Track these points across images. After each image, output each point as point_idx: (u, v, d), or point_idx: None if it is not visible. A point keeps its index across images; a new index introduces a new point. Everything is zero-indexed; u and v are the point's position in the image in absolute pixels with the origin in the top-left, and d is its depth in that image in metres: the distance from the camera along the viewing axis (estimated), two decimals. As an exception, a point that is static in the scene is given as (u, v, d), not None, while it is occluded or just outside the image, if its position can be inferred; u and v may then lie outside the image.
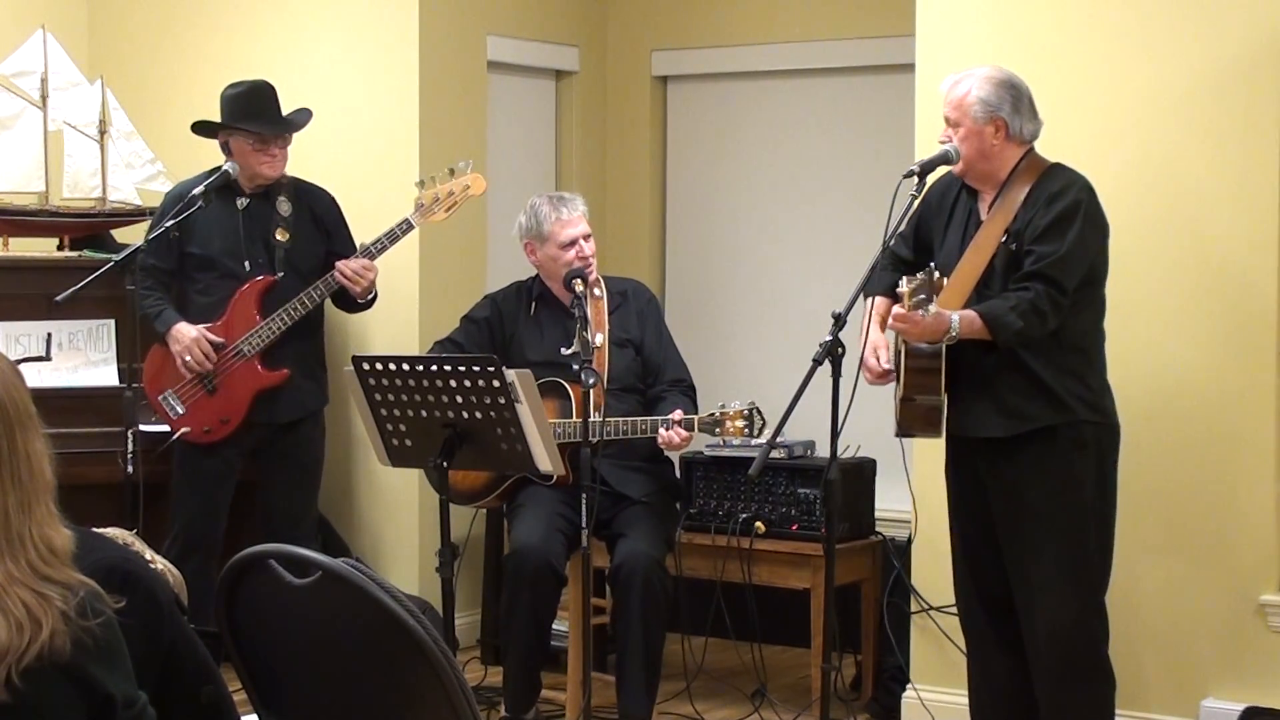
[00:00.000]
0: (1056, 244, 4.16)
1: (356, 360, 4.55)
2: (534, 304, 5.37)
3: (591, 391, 4.67)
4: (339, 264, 5.39)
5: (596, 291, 5.30)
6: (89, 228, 6.22)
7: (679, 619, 5.42)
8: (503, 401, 4.37)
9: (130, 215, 6.25)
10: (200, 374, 5.37)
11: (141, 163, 6.23)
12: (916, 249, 4.52)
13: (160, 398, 5.43)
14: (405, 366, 4.45)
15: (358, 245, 5.48)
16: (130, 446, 5.21)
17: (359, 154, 6.25)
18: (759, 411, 5.01)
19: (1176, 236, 4.86)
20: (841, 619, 5.04)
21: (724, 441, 5.25)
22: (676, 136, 7.02)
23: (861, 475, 5.62)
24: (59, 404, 5.39)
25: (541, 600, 5.01)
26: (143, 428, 5.33)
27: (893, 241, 4.45)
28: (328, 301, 5.56)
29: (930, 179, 4.40)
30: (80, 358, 5.91)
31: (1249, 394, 4.79)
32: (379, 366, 4.48)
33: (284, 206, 5.49)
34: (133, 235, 6.01)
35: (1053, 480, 4.25)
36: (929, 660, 5.23)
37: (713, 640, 5.72)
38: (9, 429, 2.15)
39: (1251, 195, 4.75)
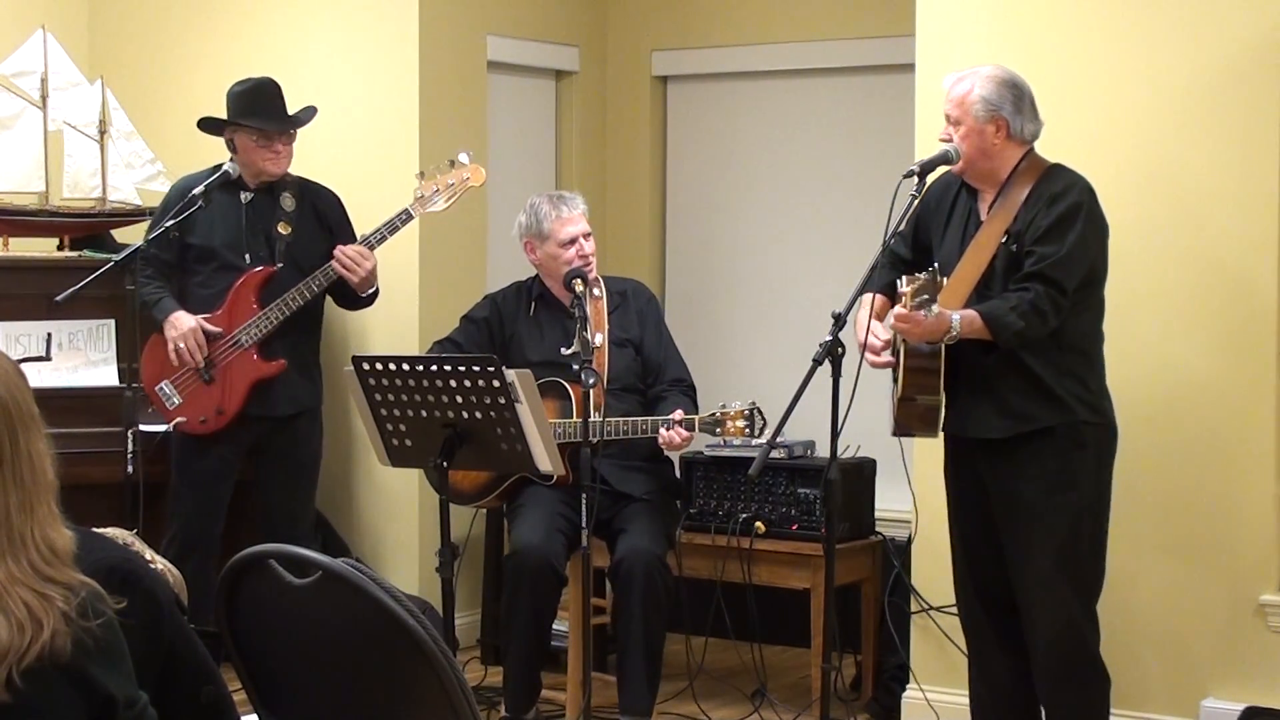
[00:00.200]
0: (1057, 245, 4.16)
1: (356, 360, 4.55)
2: (534, 304, 5.37)
3: (591, 391, 4.68)
4: (336, 250, 5.39)
5: (596, 291, 5.30)
6: (89, 228, 6.23)
7: (679, 619, 5.42)
8: (503, 401, 4.37)
9: (130, 215, 6.26)
10: (190, 365, 5.37)
11: (141, 163, 6.23)
12: (915, 248, 4.52)
13: (157, 388, 5.43)
14: (405, 366, 4.45)
15: (357, 236, 5.49)
16: (130, 446, 5.22)
17: (359, 154, 6.25)
18: (760, 411, 5.01)
19: (1176, 237, 4.86)
20: (841, 619, 5.04)
21: (724, 441, 5.25)
22: (676, 136, 7.02)
23: (861, 475, 5.62)
24: (59, 404, 5.37)
25: (541, 600, 5.01)
26: (143, 427, 5.34)
27: (892, 241, 4.45)
28: (328, 301, 5.57)
29: (930, 178, 4.40)
30: (80, 358, 5.91)
31: (1249, 394, 4.79)
32: (379, 366, 4.48)
33: (288, 202, 5.50)
34: (133, 235, 6.01)
35: (1051, 480, 4.25)
36: (929, 660, 5.23)
37: (713, 640, 5.71)
38: (11, 429, 2.15)
39: (1252, 196, 4.75)
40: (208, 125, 5.51)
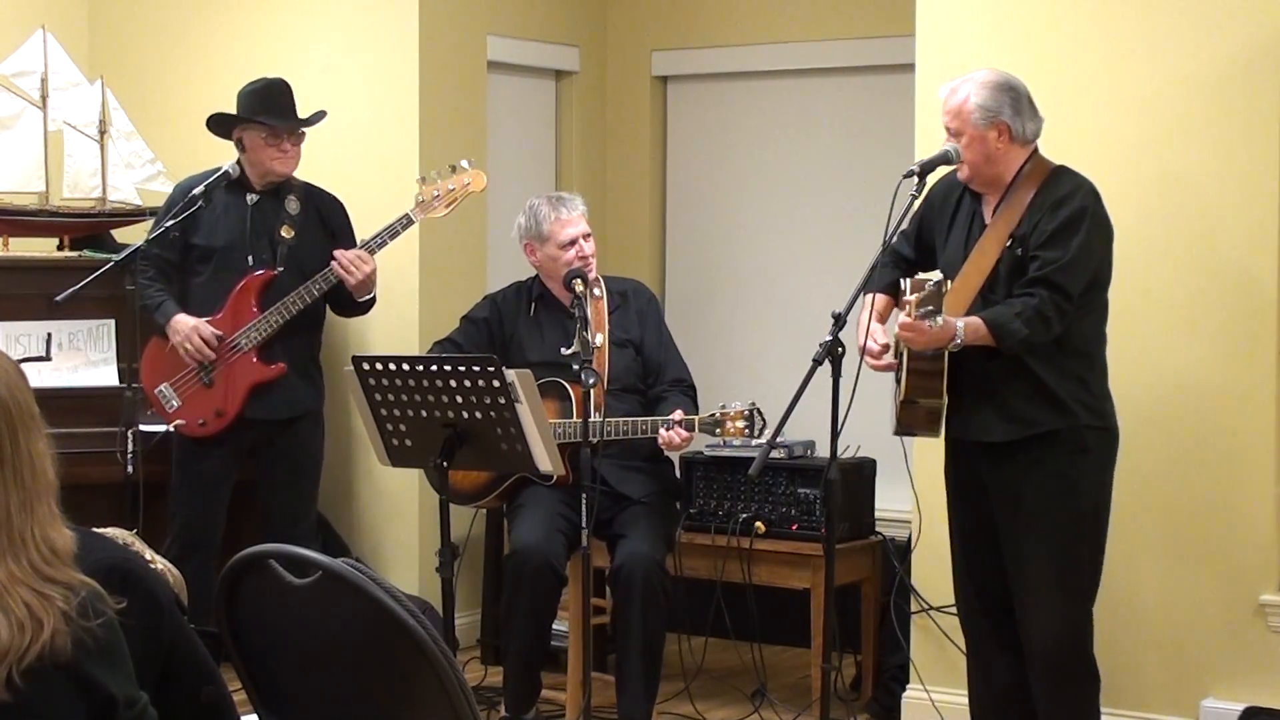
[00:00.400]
0: (1062, 250, 4.15)
1: (356, 360, 4.55)
2: (534, 304, 5.37)
3: (591, 391, 4.68)
4: (336, 253, 5.39)
5: (596, 291, 5.30)
6: (89, 228, 6.23)
7: (679, 619, 5.42)
8: (503, 401, 4.37)
9: (130, 215, 6.26)
10: (199, 365, 5.37)
11: (141, 163, 6.23)
12: (919, 248, 4.52)
13: (156, 390, 5.44)
14: (405, 366, 4.45)
15: (358, 242, 5.49)
16: (130, 446, 5.22)
17: (359, 154, 6.25)
18: (759, 412, 5.01)
19: (1176, 238, 4.85)
20: (841, 619, 5.04)
21: (724, 442, 5.25)
22: (676, 136, 7.02)
23: (861, 475, 5.62)
24: (59, 404, 5.37)
25: (541, 600, 5.01)
26: (142, 427, 5.34)
27: (895, 239, 4.45)
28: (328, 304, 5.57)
29: (932, 178, 4.39)
30: (80, 358, 5.91)
31: (1249, 394, 4.79)
32: (379, 366, 4.48)
33: (292, 205, 5.50)
34: (133, 235, 6.01)
35: (1051, 483, 4.25)
36: (929, 660, 5.23)
37: (713, 640, 5.72)
38: (11, 429, 2.15)
39: (1252, 196, 4.75)
40: (217, 123, 5.50)
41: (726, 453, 5.59)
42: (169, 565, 2.64)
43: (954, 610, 4.66)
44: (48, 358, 5.72)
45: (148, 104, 6.55)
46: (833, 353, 4.12)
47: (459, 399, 4.39)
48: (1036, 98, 4.33)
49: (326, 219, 5.58)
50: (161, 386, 5.43)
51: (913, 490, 4.94)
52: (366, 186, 6.08)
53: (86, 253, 6.07)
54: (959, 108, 4.26)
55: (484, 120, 6.47)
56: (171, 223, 5.35)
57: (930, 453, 4.73)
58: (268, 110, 5.42)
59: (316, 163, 5.78)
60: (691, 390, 5.33)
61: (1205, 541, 4.85)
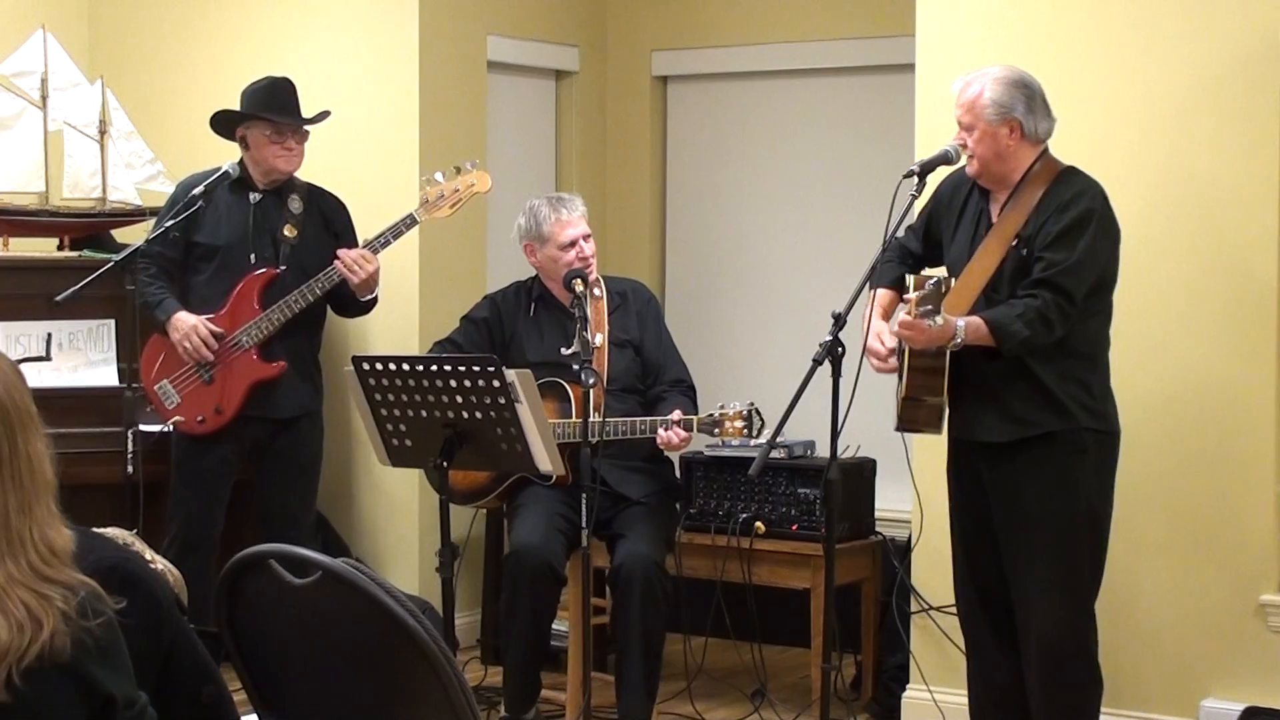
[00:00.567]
0: (1067, 252, 4.14)
1: (356, 360, 4.55)
2: (534, 304, 5.37)
3: (591, 392, 4.68)
4: (339, 252, 5.39)
5: (596, 292, 5.30)
6: (89, 228, 6.22)
7: (679, 619, 5.42)
8: (503, 401, 4.37)
9: (130, 215, 6.26)
10: (199, 363, 5.37)
11: (141, 163, 6.23)
12: (926, 243, 4.52)
13: (157, 387, 5.44)
14: (405, 366, 4.45)
15: (361, 242, 5.49)
16: (130, 446, 5.22)
17: (359, 154, 6.25)
18: (758, 412, 5.01)
19: (1175, 238, 4.85)
20: (841, 619, 5.04)
21: (723, 442, 5.25)
22: (676, 136, 7.02)
23: (861, 475, 5.62)
24: (59, 404, 5.38)
25: (541, 600, 5.01)
26: (142, 427, 5.34)
27: (903, 235, 4.45)
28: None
29: (942, 175, 4.39)
30: (80, 358, 5.91)
31: (1249, 394, 4.79)
32: (379, 366, 4.48)
33: (295, 204, 5.50)
34: (133, 235, 6.01)
35: (1051, 485, 4.24)
36: (929, 660, 5.23)
37: (713, 640, 5.71)
38: (10, 430, 2.15)
39: (1252, 197, 4.75)
40: (220, 122, 5.50)
41: (726, 453, 5.59)
42: (169, 565, 2.64)
43: (954, 610, 4.66)
44: (48, 358, 5.72)
45: (148, 104, 6.55)
46: (833, 353, 4.11)
47: (459, 399, 4.39)
48: (1039, 97, 4.33)
49: (330, 220, 5.58)
50: (162, 383, 5.43)
51: (914, 489, 4.94)
52: (366, 187, 6.08)
53: (86, 253, 6.07)
54: (973, 101, 4.26)
55: (484, 120, 6.47)
56: (172, 222, 5.35)
57: (931, 452, 4.74)
58: (272, 108, 5.42)
59: (316, 163, 5.78)
60: (691, 391, 5.33)
61: (1205, 542, 4.85)
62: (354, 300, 5.49)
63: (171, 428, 5.44)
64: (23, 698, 2.06)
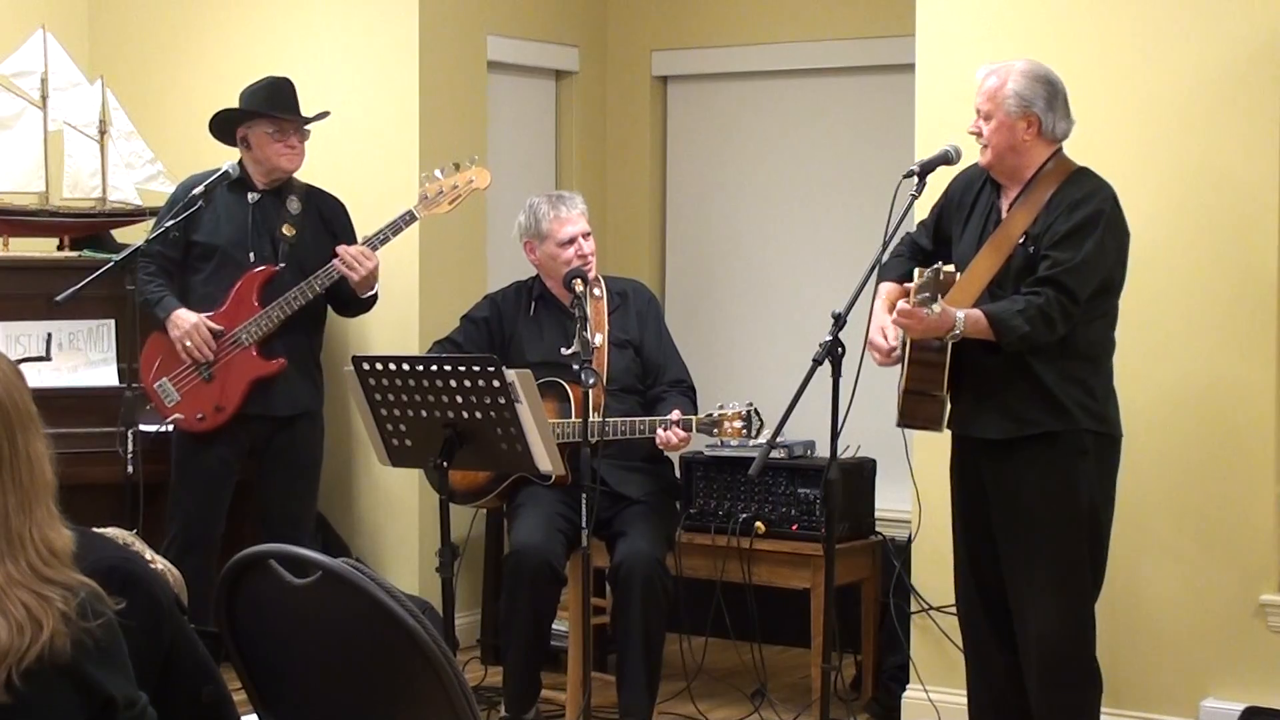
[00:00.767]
0: (1073, 252, 4.14)
1: (356, 360, 4.55)
2: (534, 304, 5.37)
3: (591, 391, 4.68)
4: (339, 248, 5.39)
5: (596, 291, 5.30)
6: (89, 228, 6.22)
7: (679, 619, 5.42)
8: (503, 401, 4.37)
9: (130, 215, 6.26)
10: (199, 361, 5.37)
11: (141, 163, 6.23)
12: (937, 239, 4.52)
13: (156, 385, 5.43)
14: (405, 366, 4.45)
15: (360, 240, 5.49)
16: (130, 446, 5.21)
17: (359, 154, 6.25)
18: (757, 412, 5.01)
19: (1175, 239, 4.85)
20: (841, 619, 5.04)
21: (722, 442, 5.25)
22: (676, 136, 7.02)
23: (861, 475, 5.62)
24: (59, 404, 5.38)
25: (541, 600, 5.01)
26: (142, 427, 5.34)
27: (915, 230, 4.44)
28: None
29: (949, 174, 4.38)
30: (80, 358, 5.91)
31: (1249, 394, 4.79)
32: (379, 366, 4.48)
33: (294, 204, 5.50)
34: (133, 235, 6.01)
35: (1050, 486, 4.24)
36: (929, 660, 5.23)
37: (713, 640, 5.71)
38: (9, 430, 2.15)
39: (1252, 197, 4.75)
40: (221, 123, 5.49)
41: (726, 453, 5.59)
42: (169, 565, 2.64)
43: (954, 610, 4.66)
44: (48, 358, 5.72)
45: (148, 104, 6.56)
46: (833, 353, 4.11)
47: (459, 399, 4.39)
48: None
49: (328, 220, 5.58)
50: (161, 381, 5.43)
51: (914, 489, 4.94)
52: (366, 186, 6.08)
53: (86, 253, 6.07)
54: (995, 90, 4.25)
55: (484, 120, 6.47)
56: (172, 222, 5.35)
57: (931, 452, 4.73)
58: (274, 106, 5.43)
59: (316, 163, 5.78)
60: (691, 391, 5.33)
61: (1205, 541, 4.85)
62: (354, 298, 5.48)
63: (171, 426, 5.44)
64: (23, 699, 2.06)
